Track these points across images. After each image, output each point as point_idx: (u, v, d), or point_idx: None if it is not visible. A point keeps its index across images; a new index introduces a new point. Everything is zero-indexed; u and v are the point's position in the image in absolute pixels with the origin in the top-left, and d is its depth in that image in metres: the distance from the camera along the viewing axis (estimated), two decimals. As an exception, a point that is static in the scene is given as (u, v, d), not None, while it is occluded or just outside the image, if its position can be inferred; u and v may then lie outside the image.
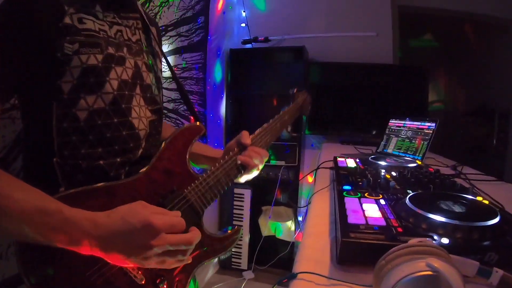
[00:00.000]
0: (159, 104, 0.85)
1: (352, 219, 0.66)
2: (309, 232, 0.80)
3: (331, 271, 0.62)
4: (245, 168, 0.84)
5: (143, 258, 0.56)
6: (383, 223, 0.65)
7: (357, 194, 0.83)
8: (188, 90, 2.29)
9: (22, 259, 0.57)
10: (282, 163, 2.69)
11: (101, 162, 0.68)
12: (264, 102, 2.86)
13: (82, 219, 0.54)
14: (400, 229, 0.63)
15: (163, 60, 0.93)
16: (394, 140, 1.76)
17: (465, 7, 2.72)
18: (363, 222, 0.65)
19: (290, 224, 2.71)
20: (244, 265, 2.77)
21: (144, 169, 0.70)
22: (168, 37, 2.00)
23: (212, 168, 0.79)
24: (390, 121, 1.85)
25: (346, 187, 0.90)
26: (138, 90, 0.76)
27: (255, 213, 2.79)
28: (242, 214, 2.77)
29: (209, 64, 2.56)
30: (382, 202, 0.78)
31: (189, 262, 0.65)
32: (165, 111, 1.95)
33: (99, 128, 0.67)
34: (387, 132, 1.83)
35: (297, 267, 0.63)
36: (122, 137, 0.71)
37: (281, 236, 2.73)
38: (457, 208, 0.69)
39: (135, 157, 0.74)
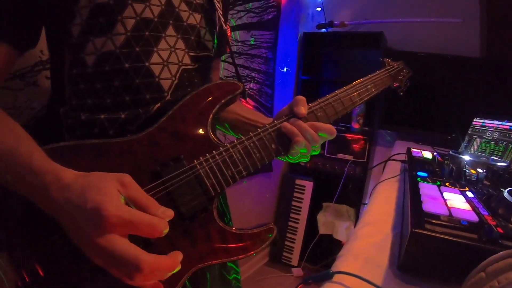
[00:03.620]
0: (210, 51, 0.72)
1: (429, 206, 0.46)
2: (366, 221, 0.60)
3: (386, 279, 0.42)
4: (290, 141, 0.60)
5: (86, 246, 0.42)
6: (475, 218, 0.45)
7: (436, 182, 0.62)
8: (255, 68, 2.20)
9: None
10: (350, 157, 2.45)
11: (103, 116, 0.58)
12: (337, 90, 2.66)
13: (46, 172, 0.44)
14: (500, 230, 0.41)
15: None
16: (477, 141, 1.48)
17: None
18: (445, 212, 0.45)
19: (350, 225, 2.46)
20: (294, 261, 2.61)
21: (148, 129, 0.56)
22: (236, 11, 1.94)
23: (243, 136, 0.59)
24: (474, 120, 1.58)
25: (422, 174, 0.69)
26: (171, 31, 0.64)
27: (315, 208, 2.61)
28: (300, 207, 2.61)
29: (280, 45, 2.44)
30: (470, 194, 0.57)
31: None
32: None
33: (107, 74, 0.58)
34: (469, 132, 1.55)
35: (338, 264, 0.44)
36: (134, 85, 0.59)
37: (338, 236, 2.49)
38: None
39: (148, 112, 0.60)
